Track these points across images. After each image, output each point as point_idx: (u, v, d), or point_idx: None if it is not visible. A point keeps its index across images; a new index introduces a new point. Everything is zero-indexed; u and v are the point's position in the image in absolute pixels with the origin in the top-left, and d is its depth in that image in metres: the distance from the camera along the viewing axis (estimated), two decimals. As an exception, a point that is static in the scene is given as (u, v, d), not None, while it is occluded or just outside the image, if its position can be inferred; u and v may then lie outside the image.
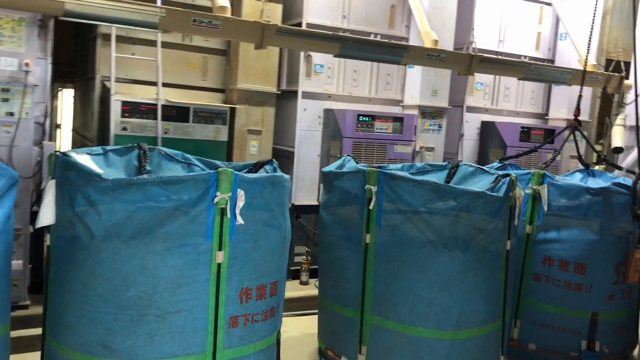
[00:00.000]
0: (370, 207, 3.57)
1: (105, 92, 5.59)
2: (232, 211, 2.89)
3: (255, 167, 3.62)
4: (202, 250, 2.85)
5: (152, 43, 5.65)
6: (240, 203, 2.89)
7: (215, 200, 2.84)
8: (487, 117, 7.75)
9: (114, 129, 5.38)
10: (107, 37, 5.55)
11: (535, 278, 4.34)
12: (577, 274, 4.22)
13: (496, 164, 5.08)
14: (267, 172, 3.53)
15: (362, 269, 3.64)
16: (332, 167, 4.18)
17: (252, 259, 3.02)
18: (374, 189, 3.56)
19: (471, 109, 7.66)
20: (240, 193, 2.89)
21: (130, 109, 5.45)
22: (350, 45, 5.20)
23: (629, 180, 4.48)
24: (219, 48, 6.24)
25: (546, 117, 8.23)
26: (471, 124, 7.66)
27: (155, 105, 5.52)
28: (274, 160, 3.67)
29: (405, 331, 3.51)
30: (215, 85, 6.28)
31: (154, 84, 5.60)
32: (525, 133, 7.43)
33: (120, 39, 5.56)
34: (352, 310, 3.70)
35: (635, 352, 4.50)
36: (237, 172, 2.92)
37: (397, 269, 3.54)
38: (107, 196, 2.78)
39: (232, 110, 5.94)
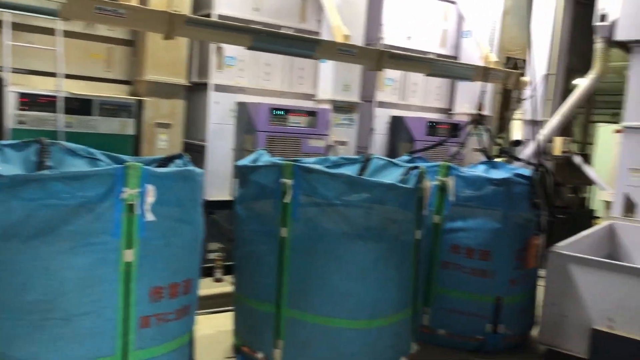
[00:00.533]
0: (286, 201, 3.56)
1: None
2: (141, 207, 2.77)
3: (165, 162, 3.50)
4: (109, 248, 2.72)
5: (52, 31, 5.32)
6: (150, 199, 2.78)
7: (123, 196, 2.72)
8: (397, 112, 7.97)
9: (9, 122, 5.03)
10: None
11: (443, 266, 4.52)
12: (482, 261, 4.43)
13: (405, 157, 5.23)
14: (178, 167, 3.42)
15: (278, 263, 3.62)
16: (246, 161, 4.13)
17: (163, 257, 2.92)
18: (289, 182, 3.55)
19: (381, 104, 7.85)
20: (150, 188, 2.78)
21: (29, 101, 5.12)
22: (262, 38, 5.16)
23: (527, 171, 4.77)
24: (124, 38, 5.99)
25: (451, 112, 8.58)
26: (381, 119, 7.85)
27: (56, 97, 5.20)
28: (184, 154, 3.56)
29: (321, 323, 3.53)
30: (121, 77, 6.02)
31: (54, 75, 5.28)
32: (432, 127, 7.72)
33: (15, 26, 5.18)
34: (268, 304, 3.68)
35: (534, 332, 4.79)
36: (145, 167, 2.81)
37: (313, 262, 3.55)
38: (3, 194, 2.57)
39: (140, 102, 5.73)
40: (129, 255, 2.77)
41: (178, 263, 3.03)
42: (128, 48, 6.02)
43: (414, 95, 8.26)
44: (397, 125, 7.86)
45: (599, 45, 7.34)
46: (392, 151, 7.80)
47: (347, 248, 3.53)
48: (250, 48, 5.21)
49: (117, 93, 5.82)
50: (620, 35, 6.60)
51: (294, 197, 3.54)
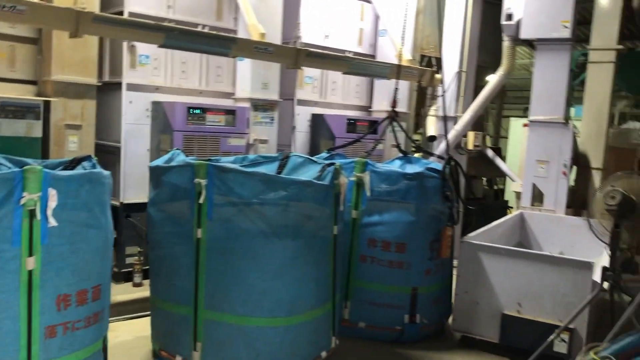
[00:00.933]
0: (201, 202, 3.51)
1: None
2: (43, 213, 2.65)
3: (72, 164, 3.36)
4: (8, 257, 2.59)
5: (-55, 28, 4.98)
6: (52, 203, 2.67)
7: (22, 201, 2.59)
8: (317, 110, 8.01)
9: None
10: None
11: (361, 259, 4.61)
12: (398, 253, 4.55)
13: (325, 154, 5.30)
14: (85, 169, 3.29)
15: (194, 265, 3.57)
16: (159, 161, 4.04)
17: (69, 264, 2.81)
18: (203, 182, 3.50)
19: (302, 102, 7.86)
20: (52, 192, 2.67)
21: None
22: (175, 36, 5.06)
23: (440, 166, 4.93)
24: (28, 36, 5.67)
25: (370, 110, 8.74)
26: (302, 117, 7.87)
27: (-49, 98, 4.88)
28: (92, 156, 3.43)
29: (239, 323, 3.52)
30: (26, 77, 5.70)
31: (-51, 74, 4.95)
32: (352, 124, 7.82)
33: None
34: (185, 307, 3.62)
35: (450, 320, 4.97)
36: (47, 170, 2.69)
37: (230, 262, 3.53)
38: None
39: (47, 103, 5.45)
40: (31, 263, 2.66)
41: (86, 269, 2.93)
42: (33, 46, 5.71)
43: (334, 93, 8.33)
44: (317, 123, 7.91)
45: (506, 43, 7.70)
46: (314, 149, 7.84)
47: (264, 247, 3.53)
48: (162, 46, 5.10)
49: (22, 94, 5.51)
50: (524, 33, 6.96)
51: (208, 197, 3.50)
